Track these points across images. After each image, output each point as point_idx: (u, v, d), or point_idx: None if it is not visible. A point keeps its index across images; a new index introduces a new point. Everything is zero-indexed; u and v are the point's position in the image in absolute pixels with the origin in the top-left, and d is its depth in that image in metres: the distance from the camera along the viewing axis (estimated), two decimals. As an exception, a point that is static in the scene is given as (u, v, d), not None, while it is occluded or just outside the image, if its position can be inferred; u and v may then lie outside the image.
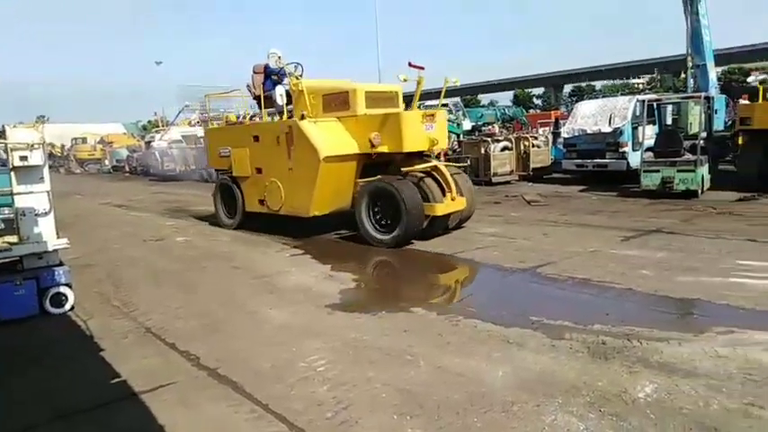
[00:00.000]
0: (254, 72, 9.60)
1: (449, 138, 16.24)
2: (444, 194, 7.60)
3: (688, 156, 10.56)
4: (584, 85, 59.66)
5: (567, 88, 63.16)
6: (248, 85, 9.62)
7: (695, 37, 14.99)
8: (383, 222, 7.64)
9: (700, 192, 10.29)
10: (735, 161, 11.93)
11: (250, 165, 8.94)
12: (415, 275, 6.55)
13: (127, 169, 29.58)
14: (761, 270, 5.45)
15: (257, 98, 9.37)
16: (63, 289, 5.35)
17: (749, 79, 13.03)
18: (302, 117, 8.07)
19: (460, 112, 20.92)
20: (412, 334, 4.39)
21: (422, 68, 7.61)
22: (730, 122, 14.68)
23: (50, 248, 5.23)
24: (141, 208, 14.07)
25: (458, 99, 25.82)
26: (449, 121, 16.42)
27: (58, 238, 5.28)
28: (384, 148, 7.66)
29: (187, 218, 11.70)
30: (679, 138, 11.19)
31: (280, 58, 9.10)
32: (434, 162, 8.01)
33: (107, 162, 32.58)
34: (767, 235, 6.92)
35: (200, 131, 26.08)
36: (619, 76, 56.34)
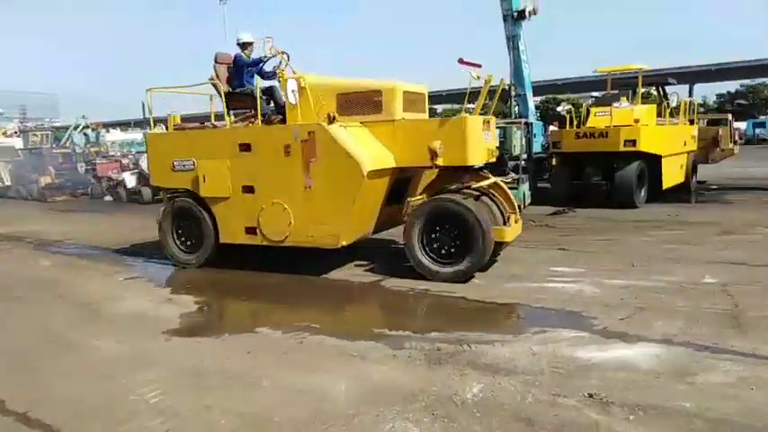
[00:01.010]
0: (218, 62, 7.65)
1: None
2: (506, 216, 6.61)
3: (512, 175, 11.78)
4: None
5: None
6: (212, 79, 7.58)
7: (517, 70, 16.83)
8: (440, 251, 6.28)
9: (522, 207, 11.52)
10: (550, 180, 13.59)
11: (232, 182, 6.83)
12: (261, 295, 6.41)
13: None
14: (569, 275, 6.25)
15: (228, 95, 7.41)
16: None
17: (558, 108, 15.08)
18: (332, 119, 6.25)
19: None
20: (256, 355, 4.30)
21: (478, 66, 6.42)
22: (546, 146, 16.70)
23: None
24: (-65, 230, 11.95)
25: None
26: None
27: None
28: (439, 161, 6.30)
29: (-3, 241, 10.19)
30: (505, 159, 12.45)
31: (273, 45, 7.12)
32: (493, 178, 6.82)
33: None
34: (575, 244, 7.98)
35: (18, 143, 23.02)
36: (456, 100, 61.15)
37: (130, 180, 16.77)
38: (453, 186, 6.50)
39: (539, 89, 35.28)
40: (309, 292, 6.34)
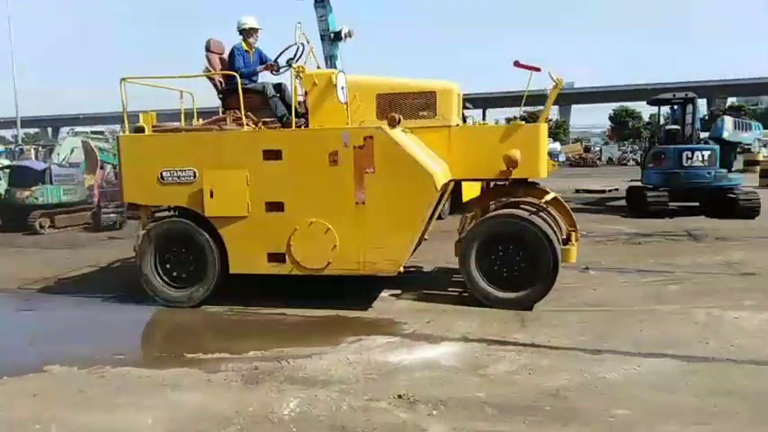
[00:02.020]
0: (211, 51, 6.54)
1: (104, 168, 14.61)
2: (568, 235, 6.13)
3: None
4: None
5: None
6: (208, 70, 6.48)
7: (334, 88, 17.42)
8: (502, 274, 5.59)
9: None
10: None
11: (251, 197, 5.63)
12: (51, 328, 5.65)
13: None
14: (388, 288, 6.62)
15: (229, 92, 6.16)
16: None
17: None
18: (396, 122, 5.38)
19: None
20: (44, 397, 3.78)
21: (537, 70, 5.85)
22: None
23: None
24: None
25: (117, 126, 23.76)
26: (104, 150, 14.88)
27: None
28: (517, 173, 5.72)
29: None
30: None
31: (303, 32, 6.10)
32: (552, 192, 6.13)
33: None
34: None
35: None
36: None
37: None
38: (508, 201, 5.93)
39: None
40: (111, 321, 5.77)
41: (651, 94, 16.59)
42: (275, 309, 5.71)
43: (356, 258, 5.55)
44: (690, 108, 12.87)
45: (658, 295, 5.96)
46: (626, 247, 8.89)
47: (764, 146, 29.32)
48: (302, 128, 5.83)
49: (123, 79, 5.97)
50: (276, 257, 5.71)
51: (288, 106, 6.06)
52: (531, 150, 5.71)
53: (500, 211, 5.78)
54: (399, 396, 3.64)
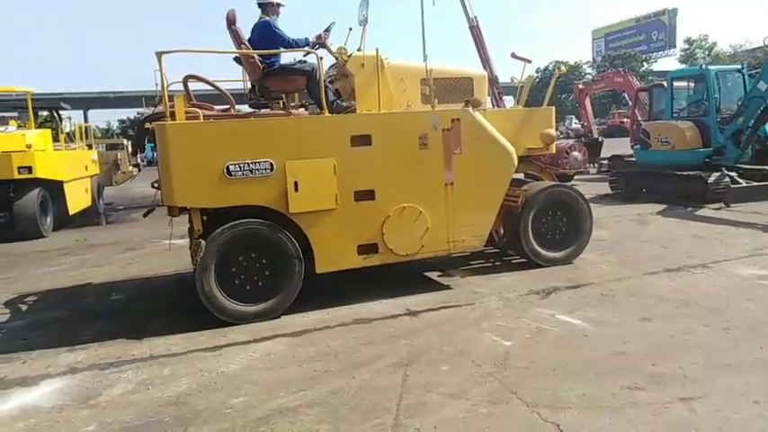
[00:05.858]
0: (236, 25, 5.62)
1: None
2: None
3: None
4: None
5: None
6: (243, 46, 5.59)
7: None
8: (547, 237, 6.41)
9: None
10: None
11: (340, 188, 5.18)
12: None
13: None
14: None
15: (269, 73, 5.66)
16: None
17: None
18: (479, 104, 5.83)
19: None
20: None
21: (529, 62, 6.89)
22: None
23: None
24: None
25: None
26: None
27: None
28: (551, 149, 6.71)
29: None
30: None
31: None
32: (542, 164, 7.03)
33: None
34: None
35: None
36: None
37: None
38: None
39: None
40: None
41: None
42: None
43: (446, 239, 5.75)
44: None
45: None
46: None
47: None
48: (385, 112, 5.61)
49: (160, 53, 4.80)
50: (367, 249, 5.48)
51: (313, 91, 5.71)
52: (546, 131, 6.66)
53: (549, 184, 6.50)
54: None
